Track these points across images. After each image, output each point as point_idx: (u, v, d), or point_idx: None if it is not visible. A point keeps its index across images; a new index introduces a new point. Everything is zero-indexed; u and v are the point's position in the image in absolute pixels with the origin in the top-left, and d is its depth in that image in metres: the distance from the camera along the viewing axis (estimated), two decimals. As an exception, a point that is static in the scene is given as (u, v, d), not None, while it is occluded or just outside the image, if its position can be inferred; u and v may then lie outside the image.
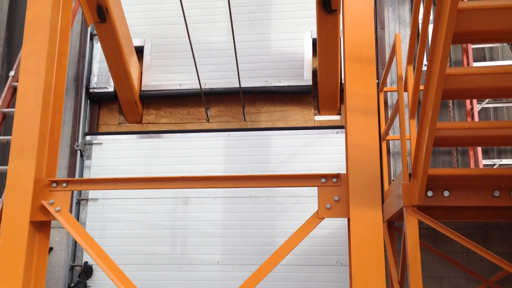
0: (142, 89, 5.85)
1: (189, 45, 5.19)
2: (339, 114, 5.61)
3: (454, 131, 3.06)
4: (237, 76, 5.46)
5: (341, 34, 5.10)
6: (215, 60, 5.73)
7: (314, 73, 5.65)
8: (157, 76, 5.85)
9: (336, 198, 3.60)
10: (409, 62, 3.75)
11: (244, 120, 5.72)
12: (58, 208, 3.80)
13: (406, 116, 5.06)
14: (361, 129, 3.69)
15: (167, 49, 5.90)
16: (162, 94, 5.81)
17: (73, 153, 5.71)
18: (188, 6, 5.60)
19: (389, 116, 5.17)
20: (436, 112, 2.85)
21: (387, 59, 5.45)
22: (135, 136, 5.68)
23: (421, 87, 4.54)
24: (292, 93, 5.64)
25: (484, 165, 4.82)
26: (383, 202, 4.81)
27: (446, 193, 3.27)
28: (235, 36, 5.01)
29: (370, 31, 3.91)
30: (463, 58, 5.26)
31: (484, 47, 5.45)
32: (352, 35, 3.88)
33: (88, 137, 5.76)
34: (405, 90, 3.87)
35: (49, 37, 4.34)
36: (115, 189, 3.82)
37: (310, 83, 5.59)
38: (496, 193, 3.16)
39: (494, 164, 4.87)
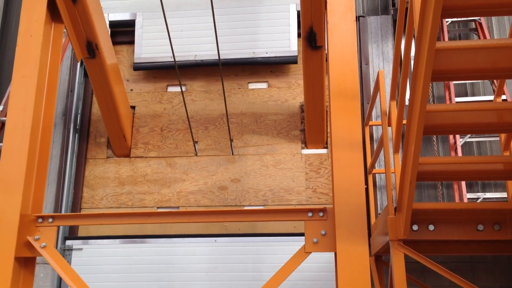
0: (135, 61, 5.99)
1: (179, 19, 5.68)
2: (326, 147, 5.67)
3: (437, 166, 3.12)
4: (228, 48, 5.73)
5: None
6: (206, 33, 5.85)
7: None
8: (149, 49, 5.97)
9: (323, 232, 3.62)
10: (392, 97, 3.84)
11: (232, 154, 5.76)
12: (44, 244, 3.77)
13: (391, 150, 5.14)
14: (347, 163, 3.74)
15: (158, 22, 6.03)
16: (154, 66, 5.95)
17: (60, 188, 5.69)
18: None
19: (374, 149, 5.24)
20: (418, 147, 2.92)
21: (372, 94, 5.56)
22: (117, 240, 5.48)
23: (405, 121, 4.64)
24: (278, 63, 5.85)
25: (468, 198, 4.88)
26: (370, 235, 4.83)
27: (431, 227, 3.31)
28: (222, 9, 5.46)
29: (354, 67, 4.02)
30: (445, 93, 5.39)
31: (465, 83, 5.60)
32: (337, 71, 3.99)
33: (68, 242, 5.53)
34: (389, 124, 3.95)
35: (38, 72, 4.39)
36: (101, 224, 3.81)
37: (296, 53, 5.77)
38: (480, 227, 3.20)
39: (478, 198, 4.94)
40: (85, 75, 6.24)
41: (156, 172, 5.81)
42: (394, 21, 5.83)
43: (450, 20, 5.68)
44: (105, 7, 6.11)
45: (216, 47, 4.88)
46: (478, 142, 5.31)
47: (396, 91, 3.86)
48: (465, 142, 5.20)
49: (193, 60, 5.87)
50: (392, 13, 5.88)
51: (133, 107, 6.11)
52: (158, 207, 5.69)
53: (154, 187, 5.76)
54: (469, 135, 5.08)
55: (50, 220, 3.89)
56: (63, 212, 5.59)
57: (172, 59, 5.75)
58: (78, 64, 6.19)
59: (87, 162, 5.97)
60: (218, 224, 5.54)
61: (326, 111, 5.42)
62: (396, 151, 3.66)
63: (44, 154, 4.45)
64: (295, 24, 5.83)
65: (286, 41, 5.80)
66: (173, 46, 5.37)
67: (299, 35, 5.79)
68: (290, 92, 5.93)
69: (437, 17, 2.39)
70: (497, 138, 5.22)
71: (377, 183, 5.32)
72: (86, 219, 3.89)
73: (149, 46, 6.00)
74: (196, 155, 5.82)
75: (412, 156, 2.95)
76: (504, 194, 4.90)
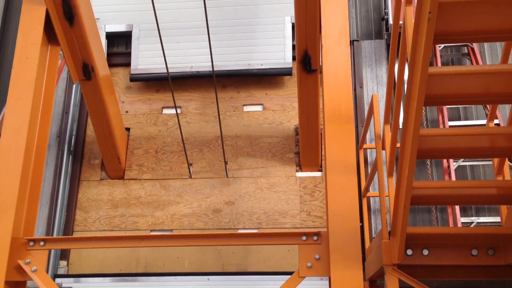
0: (132, 73, 6.04)
1: (176, 30, 5.78)
2: (320, 170, 5.67)
3: (430, 190, 3.12)
4: (223, 60, 5.83)
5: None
6: (202, 44, 5.89)
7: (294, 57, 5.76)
8: (145, 60, 6.05)
9: (317, 257, 3.59)
10: (386, 121, 3.86)
11: (227, 176, 5.75)
12: (35, 268, 3.72)
13: (385, 174, 5.14)
14: (341, 186, 3.74)
15: (154, 33, 6.08)
16: (151, 77, 6.00)
17: (52, 210, 5.65)
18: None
19: (369, 172, 5.24)
20: (412, 171, 2.92)
21: (366, 117, 5.59)
22: (108, 279, 5.36)
23: (399, 145, 4.65)
24: (274, 75, 5.94)
25: (462, 223, 4.87)
26: (364, 259, 4.79)
27: (426, 252, 3.29)
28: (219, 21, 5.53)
29: (348, 90, 4.05)
30: (438, 117, 5.43)
31: (458, 107, 5.64)
32: (331, 95, 4.02)
33: (58, 280, 5.41)
34: (383, 148, 3.96)
35: (33, 95, 4.40)
36: (94, 247, 3.78)
37: (291, 65, 5.85)
38: (474, 252, 3.19)
39: (472, 222, 4.93)
40: (81, 96, 6.25)
41: (150, 195, 5.78)
42: (388, 46, 5.90)
43: (442, 45, 5.76)
44: (102, 19, 6.23)
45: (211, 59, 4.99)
46: (471, 166, 5.33)
47: (390, 115, 3.89)
48: (459, 166, 5.22)
49: (189, 72, 5.95)
50: (385, 37, 5.95)
51: (128, 129, 6.11)
52: (151, 230, 5.65)
53: (148, 209, 5.72)
54: (462, 159, 5.09)
55: (42, 243, 3.85)
56: (55, 235, 5.53)
57: (169, 71, 5.80)
58: (74, 85, 6.21)
59: (81, 184, 5.94)
60: (212, 251, 5.49)
61: (321, 134, 5.43)
62: (390, 174, 3.66)
63: (37, 176, 4.42)
64: (290, 36, 5.93)
65: (281, 53, 5.90)
66: (169, 58, 5.46)
67: (293, 48, 5.85)
68: (285, 114, 5.96)
69: (430, 43, 2.42)
70: (490, 162, 5.24)
71: (372, 207, 5.30)
72: (78, 243, 3.85)
73: (146, 58, 6.07)
74: (191, 177, 5.80)
75: (406, 180, 2.95)
76: (497, 219, 4.90)
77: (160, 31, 5.29)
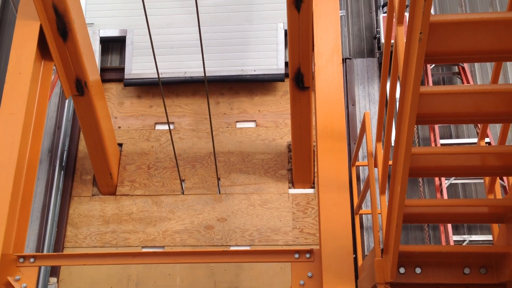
0: (125, 77, 6.08)
1: (169, 36, 5.86)
2: (313, 187, 5.67)
3: (423, 208, 3.13)
4: (217, 65, 5.91)
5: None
6: (195, 50, 5.98)
7: (286, 63, 5.94)
8: (139, 65, 6.09)
9: (310, 274, 3.58)
10: (378, 139, 3.88)
11: (219, 192, 5.73)
12: (24, 285, 3.68)
13: (377, 191, 5.16)
14: (333, 204, 3.75)
15: (148, 39, 6.08)
16: (144, 82, 6.04)
17: (43, 226, 5.59)
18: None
19: (361, 190, 5.25)
20: (404, 189, 2.93)
21: (358, 134, 5.62)
22: None
23: (391, 163, 4.67)
24: (267, 81, 6.00)
25: (454, 241, 4.88)
26: (357, 277, 4.78)
27: (418, 270, 3.29)
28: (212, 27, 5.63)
29: (340, 108, 4.08)
30: (430, 135, 5.46)
31: (450, 125, 5.69)
32: (324, 112, 4.04)
33: None
34: (375, 166, 3.98)
35: (26, 110, 4.39)
36: (84, 264, 3.74)
37: (283, 71, 5.91)
38: (467, 270, 3.19)
39: (464, 240, 4.94)
40: (74, 112, 6.24)
41: (142, 211, 5.75)
42: (380, 64, 5.96)
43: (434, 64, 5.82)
44: (97, 24, 6.28)
45: (206, 63, 5.07)
46: (463, 184, 5.35)
47: (382, 133, 3.91)
48: (451, 184, 5.24)
49: (183, 77, 6.00)
50: (378, 56, 6.01)
51: (120, 145, 6.10)
52: (143, 247, 5.60)
53: (140, 226, 5.69)
54: (454, 177, 5.12)
55: (32, 260, 3.81)
56: (45, 251, 5.47)
57: (163, 76, 5.91)
58: (67, 101, 6.20)
59: (72, 199, 5.90)
60: (204, 268, 5.45)
61: (314, 151, 5.45)
62: (382, 192, 3.67)
63: (28, 192, 4.39)
64: (283, 42, 6.03)
65: (274, 59, 5.98)
66: (163, 63, 5.48)
67: (286, 56, 5.98)
68: (277, 131, 5.98)
69: (421, 63, 2.45)
70: (482, 180, 5.26)
71: (364, 224, 5.30)
72: (68, 259, 3.82)
73: (140, 63, 6.12)
74: (183, 193, 5.78)
75: (398, 198, 2.96)
76: (489, 237, 4.91)
77: (154, 36, 5.39)
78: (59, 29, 4.75)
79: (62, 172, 5.97)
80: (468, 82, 5.57)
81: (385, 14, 5.80)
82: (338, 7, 4.41)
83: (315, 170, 5.58)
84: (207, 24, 6.04)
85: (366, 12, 6.28)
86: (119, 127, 6.18)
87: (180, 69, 6.00)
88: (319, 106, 4.04)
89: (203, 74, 5.83)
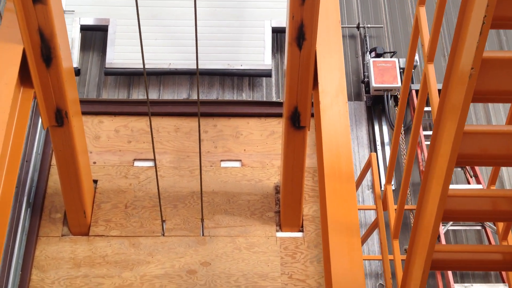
0: (106, 66, 6.05)
1: (154, 27, 5.80)
2: (301, 231, 5.45)
3: (451, 254, 2.98)
4: (203, 59, 5.95)
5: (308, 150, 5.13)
6: (179, 42, 6.09)
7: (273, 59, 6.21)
8: (121, 55, 6.10)
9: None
10: (388, 181, 3.76)
11: (203, 234, 5.40)
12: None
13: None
14: (345, 249, 3.55)
15: (131, 29, 6.13)
16: (125, 72, 6.08)
17: (5, 269, 5.04)
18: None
19: (362, 235, 5.09)
20: (435, 235, 2.78)
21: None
22: None
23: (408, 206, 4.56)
24: (253, 76, 6.15)
25: (456, 289, 4.76)
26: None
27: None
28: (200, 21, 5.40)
29: (348, 149, 3.95)
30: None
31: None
32: (331, 153, 3.90)
33: None
34: (384, 209, 3.84)
35: (3, 139, 3.99)
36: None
37: (270, 67, 6.12)
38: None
39: (465, 288, 4.83)
40: (44, 144, 5.81)
41: (117, 253, 5.31)
42: (368, 107, 5.95)
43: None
44: (78, 11, 6.26)
45: (190, 56, 5.32)
46: (454, 230, 5.30)
47: (392, 175, 3.79)
48: (447, 230, 5.18)
49: (167, 69, 6.07)
50: (365, 99, 6.00)
51: (95, 181, 5.69)
52: (117, 293, 5.14)
53: (115, 269, 5.23)
54: (451, 223, 5.06)
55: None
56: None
57: (147, 67, 5.84)
58: (38, 132, 5.77)
59: (39, 240, 5.38)
60: (184, 313, 5.06)
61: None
62: (395, 237, 3.51)
63: (0, 232, 3.94)
64: (270, 39, 6.22)
65: (261, 55, 6.15)
66: (147, 54, 5.32)
67: (274, 51, 6.32)
68: (264, 172, 5.77)
69: (468, 101, 2.34)
70: (472, 228, 5.22)
71: (366, 270, 5.11)
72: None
73: (121, 53, 6.12)
74: (163, 235, 5.40)
75: (428, 243, 2.80)
76: (489, 286, 4.82)
77: (138, 27, 5.31)
78: (43, 54, 4.42)
79: (29, 209, 5.47)
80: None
81: (374, 59, 5.84)
82: (342, 48, 4.36)
83: (310, 212, 5.42)
84: (193, 17, 6.00)
85: (352, 56, 6.32)
86: (94, 163, 5.79)
87: (164, 60, 6.05)
88: (325, 146, 3.90)
89: (187, 67, 5.97)
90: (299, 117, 4.76)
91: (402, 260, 3.60)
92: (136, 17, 6.18)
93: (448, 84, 2.56)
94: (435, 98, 2.76)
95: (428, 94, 2.90)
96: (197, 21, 6.08)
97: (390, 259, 4.23)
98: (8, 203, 4.02)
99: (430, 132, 5.28)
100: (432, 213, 2.75)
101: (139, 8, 5.81)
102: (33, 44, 4.35)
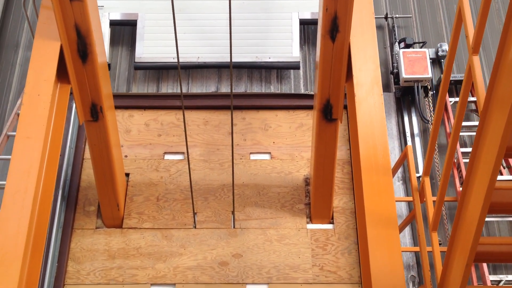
0: (136, 60, 6.13)
1: (182, 21, 5.87)
2: (332, 222, 5.48)
3: (496, 247, 2.99)
4: (228, 51, 5.92)
5: (338, 142, 5.13)
6: (207, 36, 6.14)
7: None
8: (150, 49, 6.16)
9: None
10: (425, 173, 3.76)
11: (234, 227, 5.46)
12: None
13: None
14: (383, 241, 3.57)
15: (160, 23, 6.21)
16: (155, 66, 6.13)
17: (42, 261, 5.16)
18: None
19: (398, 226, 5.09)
20: (480, 226, 2.79)
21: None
22: None
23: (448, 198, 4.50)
24: (281, 68, 6.17)
25: (491, 281, 4.74)
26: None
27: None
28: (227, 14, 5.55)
29: (384, 141, 3.95)
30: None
31: None
32: (367, 145, 3.90)
33: None
34: (422, 201, 3.84)
35: (44, 134, 4.07)
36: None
37: (298, 59, 6.09)
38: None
39: (501, 280, 4.80)
40: (77, 139, 5.91)
41: (150, 245, 5.39)
42: (397, 99, 5.92)
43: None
44: (107, 7, 6.32)
45: (219, 49, 5.46)
46: (486, 222, 5.27)
47: (430, 167, 3.79)
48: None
49: (196, 62, 6.10)
50: (394, 90, 5.97)
51: (127, 175, 5.77)
52: (152, 284, 5.23)
53: (148, 261, 5.32)
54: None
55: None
56: (46, 289, 5.03)
57: (174, 60, 6.02)
58: (71, 127, 5.86)
59: (74, 232, 5.49)
60: (218, 304, 5.13)
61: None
62: (434, 229, 3.52)
63: (43, 225, 4.03)
64: (297, 31, 6.20)
65: (289, 48, 6.13)
66: (174, 47, 5.43)
67: (301, 43, 6.32)
68: (293, 164, 5.79)
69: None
70: (510, 219, 5.17)
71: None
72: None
73: (150, 47, 6.18)
74: (195, 227, 5.47)
75: (473, 236, 2.81)
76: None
77: (166, 21, 5.29)
78: (79, 50, 4.49)
79: (64, 203, 5.58)
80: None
81: (404, 49, 5.80)
82: (376, 39, 4.34)
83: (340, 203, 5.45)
84: (221, 11, 6.17)
85: (380, 47, 6.27)
86: (126, 156, 5.87)
87: (193, 54, 6.07)
88: (361, 139, 3.90)
89: (215, 60, 6.01)
90: (331, 110, 4.76)
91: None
92: (164, 12, 6.28)
93: (496, 75, 2.55)
94: (481, 90, 2.75)
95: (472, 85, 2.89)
96: (224, 14, 6.18)
97: (428, 251, 4.25)
98: (49, 198, 4.10)
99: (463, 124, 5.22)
100: (477, 206, 2.76)
101: (166, 2, 5.90)
102: (70, 41, 4.41)
